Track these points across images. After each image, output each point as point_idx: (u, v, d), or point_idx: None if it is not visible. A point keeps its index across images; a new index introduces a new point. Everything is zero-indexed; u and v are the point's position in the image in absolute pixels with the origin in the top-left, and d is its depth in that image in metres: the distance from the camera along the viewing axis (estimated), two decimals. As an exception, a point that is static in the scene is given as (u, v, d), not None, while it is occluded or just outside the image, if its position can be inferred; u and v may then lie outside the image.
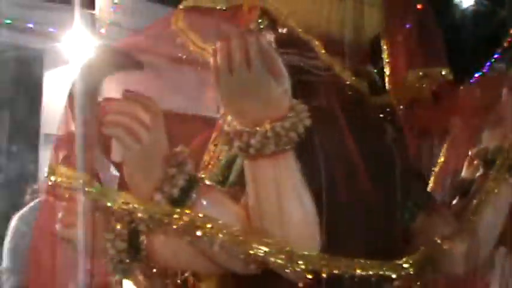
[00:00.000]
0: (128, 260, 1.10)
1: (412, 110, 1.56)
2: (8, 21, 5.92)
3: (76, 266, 1.14)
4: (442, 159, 1.68)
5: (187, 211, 1.04)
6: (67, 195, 1.13)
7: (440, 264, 1.37)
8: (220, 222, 1.04)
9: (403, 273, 1.19)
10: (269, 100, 1.04)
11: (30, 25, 6.31)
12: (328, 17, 1.37)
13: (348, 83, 1.32)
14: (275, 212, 1.08)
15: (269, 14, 1.41)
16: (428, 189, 1.61)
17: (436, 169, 1.66)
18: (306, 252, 1.08)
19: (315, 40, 1.32)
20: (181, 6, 1.34)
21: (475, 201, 1.40)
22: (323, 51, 1.31)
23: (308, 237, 1.10)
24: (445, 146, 1.67)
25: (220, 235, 1.03)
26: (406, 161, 1.42)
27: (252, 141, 1.04)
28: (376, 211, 1.28)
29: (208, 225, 1.03)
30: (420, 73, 1.50)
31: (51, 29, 6.20)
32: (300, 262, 1.06)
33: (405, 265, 1.19)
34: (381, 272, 1.15)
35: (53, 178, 1.10)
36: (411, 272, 1.20)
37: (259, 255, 1.04)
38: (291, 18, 1.38)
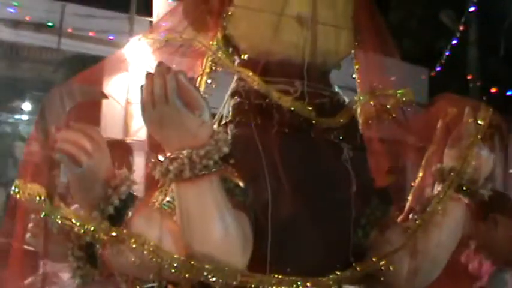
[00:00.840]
0: (85, 267, 1.25)
1: (380, 128, 1.60)
2: (50, 24, 6.22)
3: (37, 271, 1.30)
4: (420, 174, 1.69)
5: (113, 228, 1.18)
6: (30, 209, 1.29)
7: (385, 281, 1.41)
8: (142, 237, 1.16)
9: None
10: (187, 131, 1.16)
11: (91, 33, 6.62)
12: (289, 43, 1.43)
13: (292, 108, 1.40)
14: (198, 231, 1.20)
15: (231, 41, 1.49)
16: (407, 204, 1.62)
17: (415, 184, 1.68)
18: (227, 268, 1.19)
19: (248, 70, 1.39)
20: (142, 38, 1.44)
21: (422, 221, 1.43)
22: (256, 79, 1.41)
23: (230, 254, 1.21)
24: (423, 161, 1.68)
25: (142, 249, 1.16)
26: (364, 179, 1.46)
27: (171, 167, 1.17)
28: (324, 228, 1.35)
29: (132, 240, 1.15)
30: (382, 93, 1.54)
31: (111, 37, 6.49)
32: (220, 277, 1.18)
33: (329, 282, 1.27)
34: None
35: (18, 194, 1.26)
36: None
37: (170, 270, 1.16)
38: (251, 45, 1.46)
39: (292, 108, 1.39)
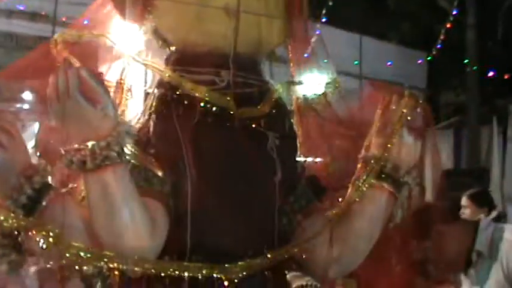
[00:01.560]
0: (11, 254, 1.26)
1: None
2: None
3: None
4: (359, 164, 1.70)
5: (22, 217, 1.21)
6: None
7: (306, 268, 1.45)
8: (46, 226, 1.19)
9: (233, 276, 1.29)
10: (88, 123, 1.21)
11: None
12: (216, 33, 1.44)
13: (207, 98, 1.41)
14: (104, 220, 1.24)
15: (159, 33, 1.51)
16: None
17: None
18: (136, 256, 1.23)
19: (159, 63, 1.44)
20: (58, 36, 1.45)
21: (345, 208, 1.43)
22: (167, 71, 1.44)
23: (137, 242, 1.25)
24: (362, 151, 1.70)
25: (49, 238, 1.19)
26: (290, 167, 1.47)
27: (74, 159, 1.22)
28: (247, 216, 1.38)
29: (38, 228, 1.19)
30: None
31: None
32: (127, 264, 1.22)
33: (236, 269, 1.30)
34: (215, 275, 1.27)
35: None
36: (243, 276, 1.30)
37: (73, 257, 1.19)
38: (177, 37, 1.49)
39: (208, 99, 1.41)
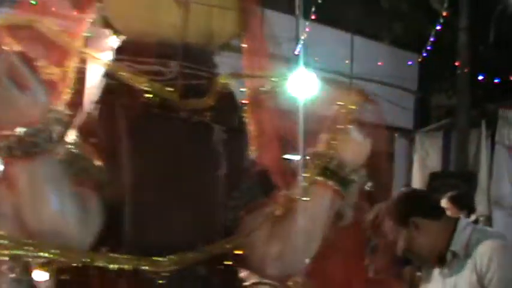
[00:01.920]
0: None
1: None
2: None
3: None
4: None
5: None
6: None
7: (249, 266, 1.43)
8: None
9: (161, 270, 1.27)
10: (17, 110, 1.18)
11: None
12: (165, 23, 1.41)
13: (148, 88, 1.38)
14: (31, 208, 1.22)
15: (107, 22, 1.47)
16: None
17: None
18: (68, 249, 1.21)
19: (96, 52, 1.40)
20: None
21: (284, 204, 1.42)
22: (103, 60, 1.41)
23: (65, 233, 1.23)
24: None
25: None
26: (236, 161, 1.45)
27: (1, 145, 1.19)
28: (189, 210, 1.35)
29: None
30: (251, 75, 1.54)
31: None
32: (54, 255, 1.20)
33: (165, 262, 1.28)
34: (143, 267, 1.26)
35: None
36: (171, 269, 1.28)
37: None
38: (125, 26, 1.46)
39: (149, 89, 1.38)
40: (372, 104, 1.47)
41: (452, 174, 10.07)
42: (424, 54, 10.67)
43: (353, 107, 1.43)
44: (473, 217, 4.66)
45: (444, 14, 9.77)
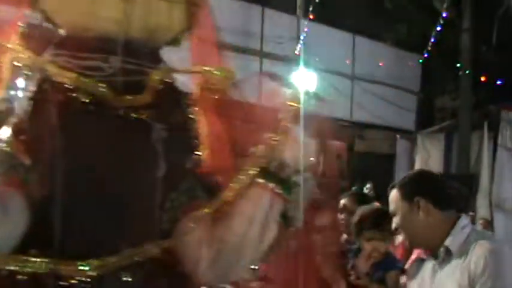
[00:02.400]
0: None
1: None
2: None
3: None
4: None
5: None
6: None
7: (184, 269, 1.34)
8: None
9: (80, 274, 1.22)
10: None
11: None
12: (107, 18, 1.37)
13: (78, 85, 1.33)
14: None
15: (47, 16, 1.42)
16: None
17: None
18: None
19: (22, 47, 1.35)
20: None
21: (219, 206, 1.34)
22: (30, 55, 1.35)
23: None
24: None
25: None
26: (176, 161, 1.38)
27: None
28: (124, 210, 1.30)
29: None
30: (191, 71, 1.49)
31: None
32: None
33: (86, 267, 1.23)
34: (63, 271, 1.21)
35: None
36: (91, 273, 1.23)
37: None
38: (65, 20, 1.41)
39: (80, 86, 1.33)
40: (320, 102, 1.42)
41: (453, 176, 10.01)
42: (426, 55, 10.61)
43: (296, 105, 1.36)
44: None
45: (444, 14, 9.70)
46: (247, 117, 1.46)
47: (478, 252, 2.18)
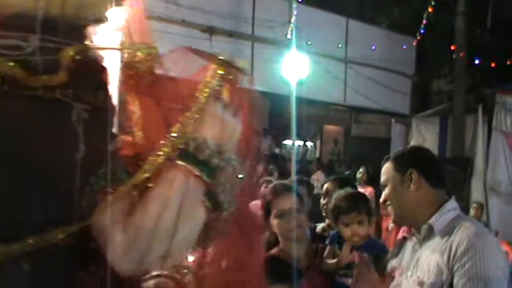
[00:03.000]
0: None
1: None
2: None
3: None
4: None
5: None
6: None
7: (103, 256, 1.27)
8: None
9: None
10: None
11: None
12: None
13: None
14: None
15: None
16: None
17: None
18: None
19: None
20: None
21: (126, 189, 1.28)
22: None
23: None
24: None
25: None
26: (98, 144, 1.32)
27: None
28: (39, 193, 1.24)
29: None
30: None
31: None
32: None
33: None
34: None
35: None
36: None
37: None
38: None
39: None
40: (244, 78, 1.32)
41: (448, 159, 9.97)
42: (419, 38, 10.52)
43: (217, 81, 1.29)
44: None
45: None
46: (171, 95, 1.38)
47: (462, 234, 2.12)
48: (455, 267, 2.09)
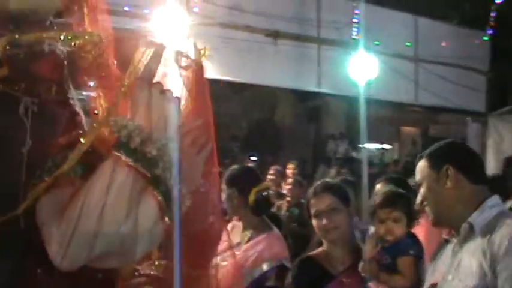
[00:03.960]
0: None
1: None
2: None
3: None
4: None
5: None
6: None
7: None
8: None
9: None
10: None
11: (126, 8, 6.51)
12: None
13: None
14: None
15: None
16: None
17: None
18: None
19: None
20: None
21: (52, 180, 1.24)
22: None
23: None
24: None
25: None
26: (46, 137, 1.30)
27: None
28: None
29: None
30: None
31: (145, 10, 6.33)
32: None
33: None
34: None
35: None
36: None
37: None
38: None
39: None
40: (187, 59, 1.27)
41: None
42: (490, 32, 10.06)
43: (144, 61, 1.22)
44: (509, 203, 4.18)
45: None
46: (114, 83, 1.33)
47: (504, 232, 1.95)
48: (498, 269, 1.89)
